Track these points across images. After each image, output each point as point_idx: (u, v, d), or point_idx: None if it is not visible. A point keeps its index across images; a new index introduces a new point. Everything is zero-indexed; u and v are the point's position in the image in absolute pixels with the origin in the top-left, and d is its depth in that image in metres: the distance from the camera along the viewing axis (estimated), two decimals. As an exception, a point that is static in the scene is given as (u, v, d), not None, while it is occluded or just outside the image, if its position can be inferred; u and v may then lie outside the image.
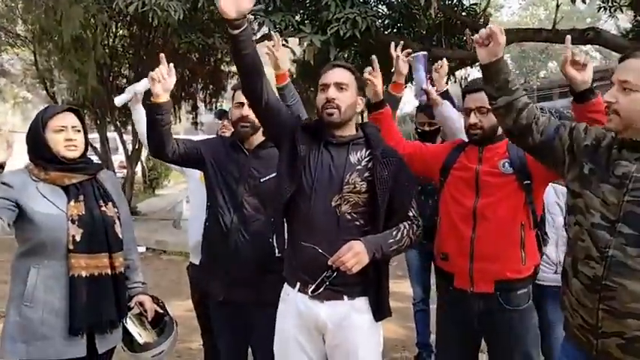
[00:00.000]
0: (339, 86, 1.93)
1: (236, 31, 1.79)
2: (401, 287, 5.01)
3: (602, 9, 7.36)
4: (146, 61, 8.67)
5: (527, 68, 19.80)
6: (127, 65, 9.57)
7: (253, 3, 1.77)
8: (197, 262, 2.68)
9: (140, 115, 2.82)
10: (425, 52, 2.64)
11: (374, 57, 2.35)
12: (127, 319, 2.14)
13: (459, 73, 9.18)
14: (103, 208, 2.06)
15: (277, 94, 2.66)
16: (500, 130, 2.16)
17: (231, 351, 2.44)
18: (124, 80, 9.81)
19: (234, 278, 2.28)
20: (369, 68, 2.30)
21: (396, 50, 2.50)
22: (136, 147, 9.59)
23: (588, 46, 11.04)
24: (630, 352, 1.51)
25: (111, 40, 9.05)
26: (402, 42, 2.58)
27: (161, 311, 2.25)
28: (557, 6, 5.76)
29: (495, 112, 1.83)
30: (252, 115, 2.21)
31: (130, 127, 10.32)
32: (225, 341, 2.45)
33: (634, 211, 1.50)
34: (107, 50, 8.69)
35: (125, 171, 10.22)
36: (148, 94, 2.28)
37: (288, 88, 2.62)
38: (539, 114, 1.76)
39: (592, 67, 1.83)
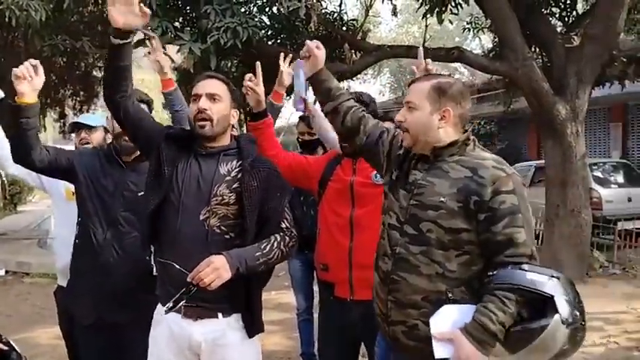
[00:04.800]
0: (212, 97, 1.87)
1: (117, 41, 1.74)
2: (286, 298, 5.03)
3: (467, 30, 8.13)
4: (5, 64, 7.86)
5: (404, 82, 21.10)
6: (-17, 69, 8.60)
7: (144, 24, 1.73)
8: (65, 285, 2.47)
9: None
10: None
11: (258, 63, 2.32)
12: None
13: (341, 85, 9.50)
14: None
15: (164, 100, 2.57)
16: None
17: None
18: (-21, 85, 8.81)
19: (106, 298, 2.15)
20: (249, 75, 2.27)
21: (284, 62, 2.50)
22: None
23: (457, 64, 12.08)
24: (412, 338, 1.70)
25: (-39, 40, 8.12)
26: (290, 55, 2.58)
27: (6, 348, 2.02)
28: (426, 26, 6.21)
29: (326, 117, 2.03)
30: None
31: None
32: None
33: (416, 214, 1.70)
34: (-42, 52, 7.80)
35: (-20, 186, 9.18)
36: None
37: (175, 95, 2.55)
38: (367, 117, 1.96)
39: None
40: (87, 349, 2.29)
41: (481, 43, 17.15)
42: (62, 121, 9.48)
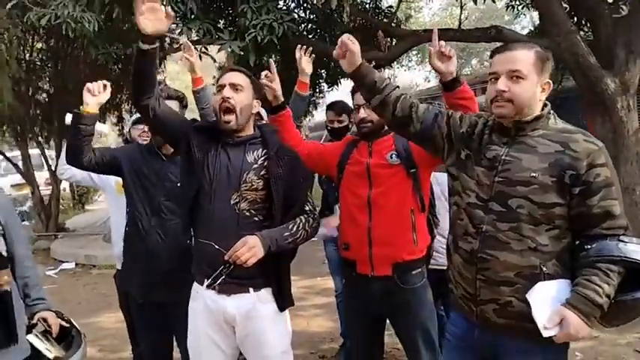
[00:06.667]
0: (234, 87, 2.00)
1: (146, 47, 1.84)
2: (330, 284, 5.14)
3: (511, 7, 7.84)
4: (66, 73, 8.43)
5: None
6: (47, 79, 9.23)
7: (169, 26, 1.82)
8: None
9: None
10: None
11: (271, 61, 2.45)
12: (32, 336, 2.06)
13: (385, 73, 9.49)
14: None
15: (193, 97, 2.77)
16: None
17: (153, 351, 2.50)
18: (44, 95, 9.47)
19: (153, 279, 2.36)
20: (265, 72, 2.37)
21: (300, 51, 2.64)
22: (60, 163, 9.24)
23: (499, 43, 11.66)
24: (504, 316, 1.69)
25: (27, 53, 8.71)
26: (305, 47, 2.70)
27: (67, 325, 2.20)
28: (462, 7, 6.12)
29: (375, 111, 2.00)
30: None
31: (52, 142, 9.96)
32: (147, 342, 2.51)
33: (503, 190, 1.67)
34: (24, 64, 8.36)
35: (51, 187, 9.87)
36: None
37: (203, 92, 2.73)
38: (416, 103, 1.90)
39: (456, 59, 2.03)
40: (140, 324, 2.54)
41: (532, 20, 16.47)
42: (120, 124, 9.99)
